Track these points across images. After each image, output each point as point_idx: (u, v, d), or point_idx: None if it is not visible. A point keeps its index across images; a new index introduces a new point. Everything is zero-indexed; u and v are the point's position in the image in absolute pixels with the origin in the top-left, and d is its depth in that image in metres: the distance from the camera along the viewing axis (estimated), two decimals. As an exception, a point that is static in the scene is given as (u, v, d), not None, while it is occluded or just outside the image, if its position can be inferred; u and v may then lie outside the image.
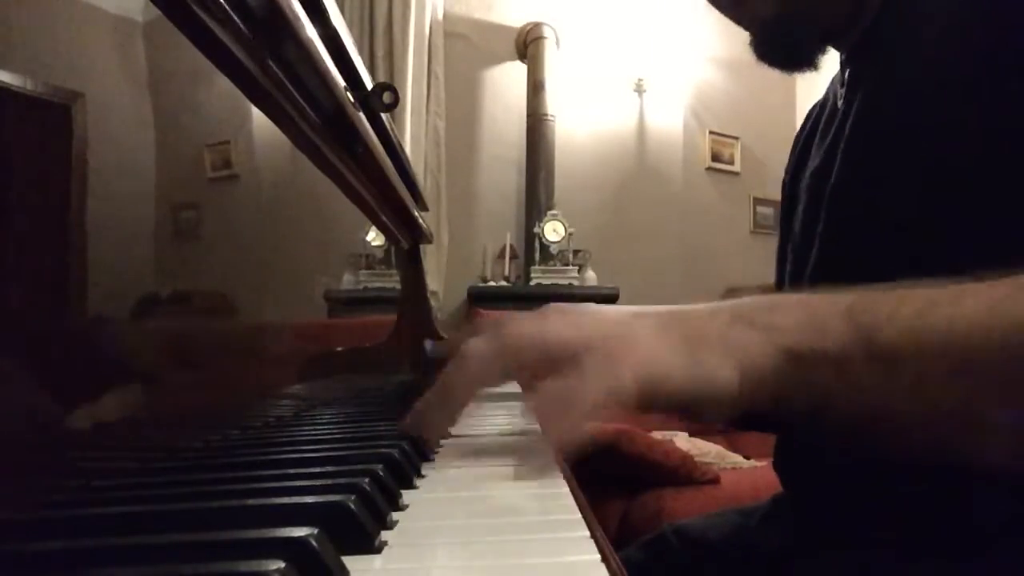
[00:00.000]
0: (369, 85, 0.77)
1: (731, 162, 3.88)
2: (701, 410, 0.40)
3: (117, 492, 0.35)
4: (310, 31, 0.59)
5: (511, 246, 3.46)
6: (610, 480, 1.86)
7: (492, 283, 3.37)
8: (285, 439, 0.52)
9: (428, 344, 1.19)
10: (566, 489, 0.36)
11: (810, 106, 0.81)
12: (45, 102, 0.41)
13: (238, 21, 0.50)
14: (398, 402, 0.70)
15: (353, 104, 0.72)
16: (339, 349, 1.09)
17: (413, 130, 3.17)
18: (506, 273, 3.40)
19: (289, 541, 0.23)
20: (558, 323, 0.41)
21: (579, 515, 0.31)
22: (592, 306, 0.44)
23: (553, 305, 0.44)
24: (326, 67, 0.63)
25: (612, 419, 2.00)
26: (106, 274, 0.46)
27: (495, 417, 0.65)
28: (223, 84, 0.55)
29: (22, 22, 0.38)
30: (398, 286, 1.34)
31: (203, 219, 0.63)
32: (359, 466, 0.34)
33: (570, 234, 3.30)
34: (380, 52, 3.18)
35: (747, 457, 2.30)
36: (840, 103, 0.65)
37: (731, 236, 3.81)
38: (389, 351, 1.18)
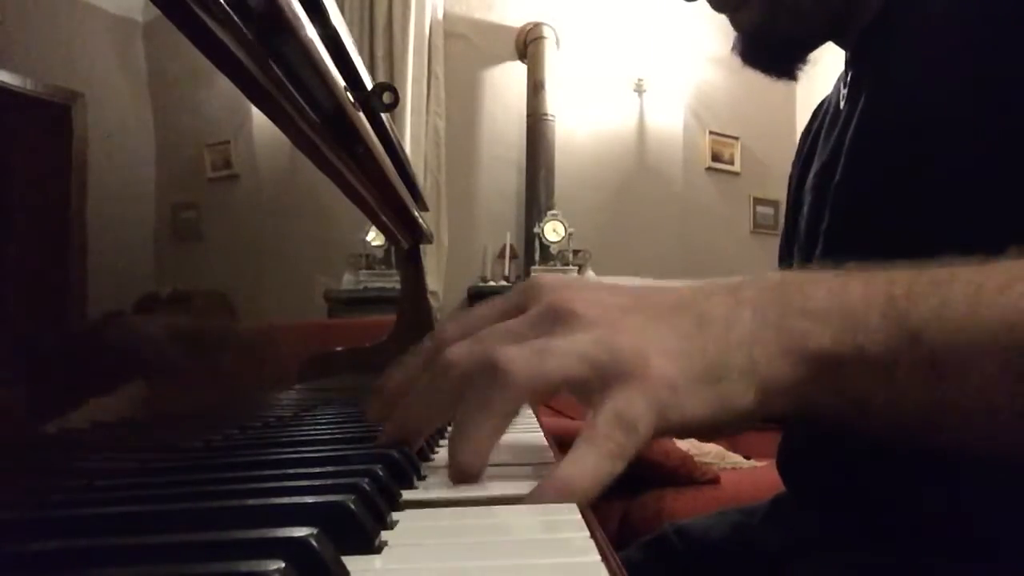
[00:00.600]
0: (369, 85, 0.77)
1: (731, 162, 3.88)
2: (719, 433, 0.38)
3: (117, 492, 0.34)
4: (310, 31, 0.59)
5: (511, 246, 3.46)
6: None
7: (492, 283, 3.37)
8: (285, 439, 0.52)
9: None
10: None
11: (811, 105, 0.81)
12: (45, 102, 0.41)
13: (238, 21, 0.50)
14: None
15: (353, 104, 0.72)
16: (339, 349, 1.08)
17: (413, 130, 3.17)
18: (506, 273, 3.40)
19: (289, 541, 0.23)
20: (555, 353, 0.34)
21: (579, 515, 0.31)
22: (584, 288, 0.38)
23: (538, 281, 0.39)
24: (326, 67, 0.63)
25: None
26: (106, 274, 0.46)
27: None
28: (223, 84, 0.55)
29: (22, 22, 0.38)
30: (398, 286, 1.34)
31: (203, 219, 0.63)
32: (359, 466, 0.34)
33: (570, 234, 3.30)
34: (380, 52, 3.18)
35: (747, 457, 2.30)
36: (843, 103, 0.66)
37: (731, 236, 3.81)
38: (389, 351, 1.18)
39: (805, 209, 0.70)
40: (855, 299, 0.36)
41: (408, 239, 1.23)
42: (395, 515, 0.31)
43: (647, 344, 0.35)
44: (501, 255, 3.46)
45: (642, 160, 3.71)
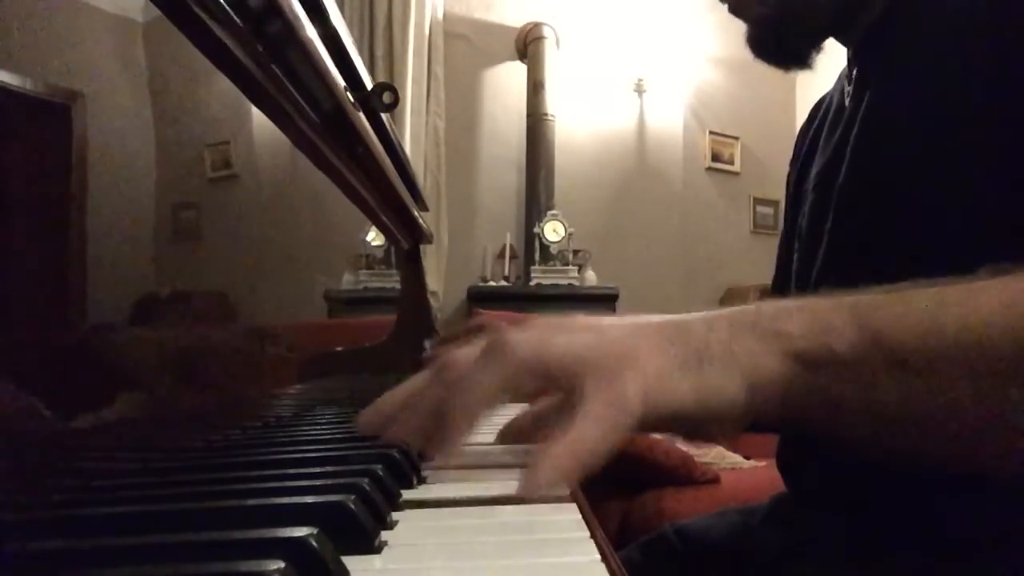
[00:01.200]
0: (369, 85, 0.77)
1: (731, 162, 3.88)
2: (707, 429, 0.39)
3: (117, 492, 0.34)
4: (310, 31, 0.59)
5: (511, 246, 3.46)
6: (610, 480, 1.85)
7: (492, 283, 3.37)
8: (285, 439, 0.52)
9: (428, 344, 1.19)
10: (566, 489, 0.36)
11: (810, 105, 0.81)
12: (45, 102, 0.41)
13: (238, 21, 0.50)
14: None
15: (353, 104, 0.72)
16: (339, 349, 1.08)
17: (413, 130, 3.17)
18: (506, 273, 3.40)
19: (289, 541, 0.23)
20: (556, 341, 0.38)
21: (579, 515, 0.31)
22: (585, 318, 0.41)
23: (542, 320, 0.41)
24: (326, 67, 0.63)
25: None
26: (106, 274, 0.46)
27: (494, 416, 0.65)
28: (223, 84, 0.55)
29: (22, 22, 0.38)
30: (398, 286, 1.34)
31: (203, 219, 0.63)
32: (359, 466, 0.34)
33: (570, 234, 3.30)
34: (380, 52, 3.18)
35: (747, 457, 2.30)
36: (847, 100, 0.65)
37: (731, 236, 3.81)
38: (389, 351, 1.18)
39: (807, 208, 0.70)
40: (824, 308, 0.39)
41: (408, 239, 1.23)
42: (395, 515, 0.31)
43: (636, 340, 0.38)
44: (501, 255, 3.45)
45: (642, 160, 3.71)
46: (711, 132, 3.82)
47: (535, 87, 3.46)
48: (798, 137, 0.81)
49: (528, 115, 3.49)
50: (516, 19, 3.57)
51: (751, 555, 0.71)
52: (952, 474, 0.42)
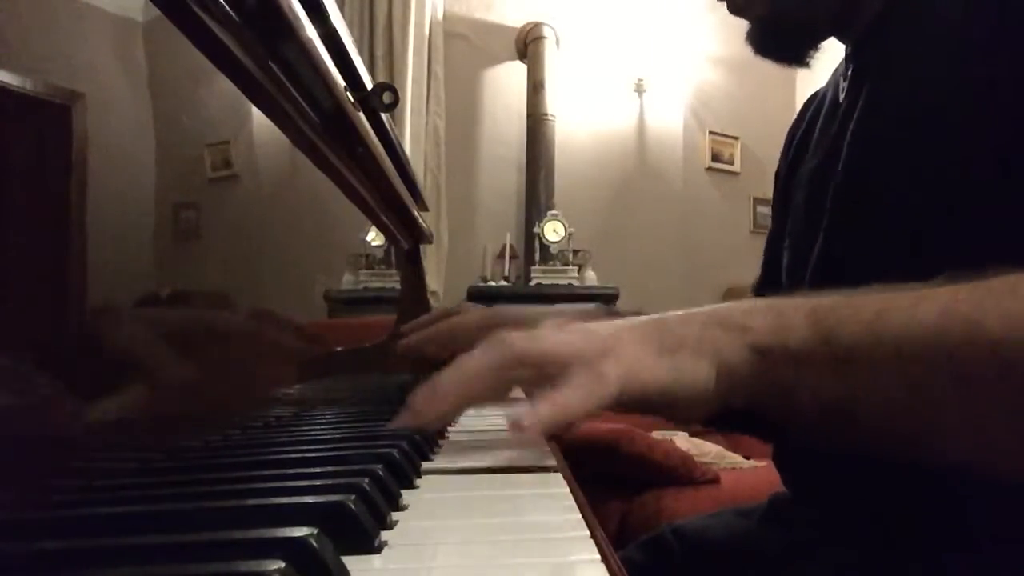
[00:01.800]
0: (369, 85, 0.77)
1: (731, 162, 3.88)
2: (680, 409, 0.43)
3: (117, 492, 0.35)
4: (310, 31, 0.59)
5: (511, 246, 3.46)
6: (610, 480, 1.85)
7: (492, 283, 3.37)
8: (285, 439, 0.52)
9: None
10: (566, 489, 0.36)
11: (809, 100, 0.81)
12: (45, 102, 0.41)
13: (238, 21, 0.50)
14: (398, 402, 0.69)
15: (353, 104, 0.72)
16: (339, 349, 1.08)
17: (413, 130, 3.17)
18: (506, 273, 3.40)
19: (289, 541, 0.23)
20: (552, 338, 0.44)
21: (579, 515, 0.31)
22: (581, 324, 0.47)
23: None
24: (326, 67, 0.63)
25: (612, 420, 2.01)
26: (106, 274, 0.46)
27: (494, 417, 0.65)
28: (223, 84, 0.55)
29: (22, 22, 0.38)
30: (398, 286, 1.34)
31: (203, 219, 0.63)
32: (359, 466, 0.34)
33: (570, 234, 3.30)
34: (380, 52, 3.18)
35: (747, 457, 2.30)
36: (843, 96, 0.65)
37: (731, 236, 3.81)
38: (389, 351, 1.18)
39: (801, 203, 0.69)
40: (787, 308, 0.43)
41: (408, 239, 1.23)
42: (395, 515, 0.31)
43: (619, 334, 0.44)
44: (501, 255, 3.45)
45: (642, 160, 3.71)
46: (711, 132, 3.82)
47: (535, 87, 3.46)
48: (788, 133, 0.81)
49: (528, 115, 3.49)
50: (516, 19, 3.57)
51: (750, 555, 0.71)
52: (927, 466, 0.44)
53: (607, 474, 1.84)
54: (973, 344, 0.36)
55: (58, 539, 0.24)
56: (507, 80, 3.59)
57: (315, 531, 0.23)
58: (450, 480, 0.40)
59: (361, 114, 0.76)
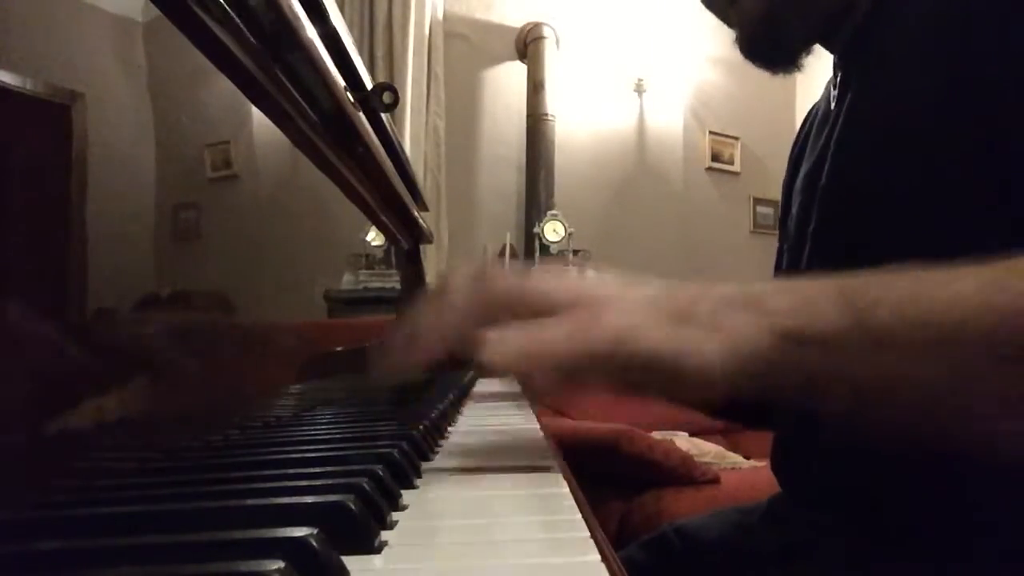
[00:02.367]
0: (369, 85, 0.77)
1: (731, 162, 3.88)
2: (680, 387, 0.39)
3: (117, 492, 0.35)
4: (310, 31, 0.59)
5: (511, 246, 3.46)
6: (610, 480, 1.86)
7: (492, 283, 3.37)
8: (285, 439, 0.52)
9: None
10: (566, 489, 0.36)
11: (810, 106, 0.81)
12: (45, 102, 0.41)
13: (238, 21, 0.50)
14: (398, 402, 0.70)
15: (353, 104, 0.72)
16: (339, 349, 1.08)
17: (413, 130, 3.17)
18: (506, 273, 3.39)
19: (289, 541, 0.23)
20: (546, 278, 0.41)
21: (579, 515, 0.31)
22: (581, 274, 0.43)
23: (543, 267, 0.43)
24: (326, 67, 0.63)
25: (612, 418, 2.01)
26: (106, 274, 0.46)
27: (494, 418, 0.66)
28: (223, 84, 0.55)
29: (22, 22, 0.38)
30: (398, 286, 1.34)
31: (203, 219, 0.63)
32: (359, 466, 0.34)
33: (570, 234, 3.30)
34: (380, 52, 3.17)
35: (747, 457, 2.30)
36: (832, 105, 0.66)
37: (731, 236, 3.81)
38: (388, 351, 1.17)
39: (794, 211, 0.70)
40: (810, 290, 0.40)
41: (408, 239, 1.23)
42: (395, 515, 0.31)
43: (624, 293, 0.40)
44: (501, 255, 3.45)
45: (642, 160, 3.70)
46: (711, 132, 3.82)
47: (535, 87, 3.46)
48: (794, 142, 0.82)
49: (528, 115, 3.49)
50: (516, 19, 3.57)
51: (750, 555, 0.71)
52: (931, 452, 0.43)
53: (607, 474, 1.84)
54: (1018, 317, 0.35)
55: (58, 539, 0.24)
56: (507, 80, 3.58)
57: (315, 531, 0.23)
58: (450, 480, 0.40)
59: (361, 114, 0.76)
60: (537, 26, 3.49)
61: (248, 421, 0.59)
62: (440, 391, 0.75)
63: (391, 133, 0.92)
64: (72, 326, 0.43)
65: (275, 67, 0.58)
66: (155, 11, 0.48)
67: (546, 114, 3.44)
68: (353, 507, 0.27)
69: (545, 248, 3.30)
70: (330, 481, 0.31)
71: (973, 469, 0.46)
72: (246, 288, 0.73)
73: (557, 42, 3.52)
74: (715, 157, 3.84)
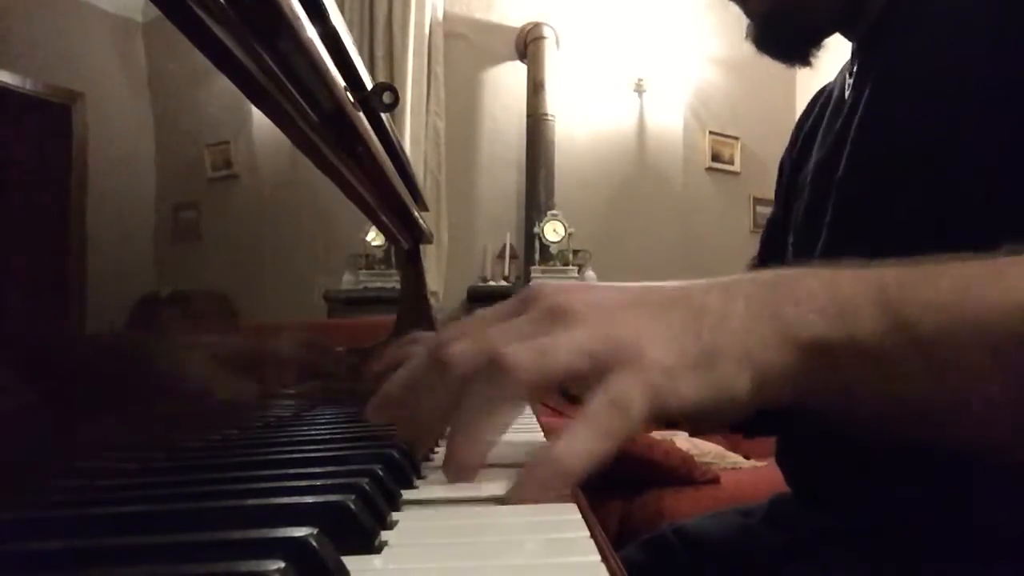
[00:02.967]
0: (369, 85, 0.77)
1: (731, 162, 3.88)
2: (710, 421, 0.37)
3: (117, 492, 0.35)
4: (310, 31, 0.59)
5: (511, 246, 3.46)
6: (610, 480, 1.85)
7: (492, 283, 3.37)
8: (285, 439, 0.52)
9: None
10: (566, 489, 0.36)
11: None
12: (45, 102, 0.41)
13: (238, 21, 0.50)
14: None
15: (353, 104, 0.72)
16: (339, 349, 1.08)
17: (413, 130, 3.17)
18: (506, 273, 3.40)
19: (289, 541, 0.23)
20: (557, 347, 0.35)
21: (579, 515, 0.31)
22: (584, 291, 0.38)
23: (539, 286, 0.39)
24: (326, 67, 0.63)
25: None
26: (106, 274, 0.46)
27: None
28: (223, 84, 0.55)
29: (22, 22, 0.38)
30: (398, 286, 1.34)
31: (203, 219, 0.63)
32: (359, 466, 0.34)
33: (570, 234, 3.30)
34: (380, 52, 3.18)
35: (747, 457, 2.30)
36: (848, 93, 0.65)
37: (731, 236, 3.81)
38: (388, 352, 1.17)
39: (805, 198, 0.69)
40: (847, 291, 0.36)
41: (408, 239, 1.23)
42: (395, 515, 0.31)
43: (643, 334, 0.35)
44: (501, 255, 3.45)
45: (642, 160, 3.71)
46: (711, 132, 3.82)
47: (535, 87, 3.46)
48: (796, 125, 0.81)
49: (528, 115, 3.49)
50: (516, 19, 3.57)
51: (750, 555, 0.71)
52: (982, 462, 0.40)
53: (607, 474, 1.84)
54: None
55: (58, 539, 0.24)
56: (507, 80, 3.59)
57: (315, 531, 0.23)
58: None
59: (361, 114, 0.76)
60: (537, 26, 3.50)
61: (248, 421, 0.59)
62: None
63: (391, 133, 0.92)
64: (72, 326, 0.43)
65: (275, 67, 0.58)
66: (155, 11, 0.48)
67: (546, 114, 3.45)
68: (353, 507, 0.27)
69: (545, 248, 3.30)
70: (330, 481, 0.31)
71: (979, 470, 0.45)
72: (246, 288, 0.73)
73: (557, 42, 3.53)
74: (715, 157, 3.84)
